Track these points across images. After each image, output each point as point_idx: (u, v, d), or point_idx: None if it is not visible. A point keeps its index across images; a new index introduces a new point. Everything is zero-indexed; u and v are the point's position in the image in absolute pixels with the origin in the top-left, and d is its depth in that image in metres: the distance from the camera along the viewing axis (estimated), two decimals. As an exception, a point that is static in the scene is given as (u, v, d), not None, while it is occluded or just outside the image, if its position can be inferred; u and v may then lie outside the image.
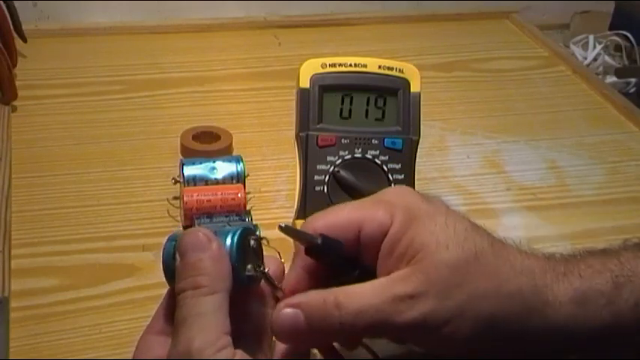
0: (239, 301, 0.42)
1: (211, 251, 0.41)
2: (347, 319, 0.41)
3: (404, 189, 0.47)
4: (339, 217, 0.45)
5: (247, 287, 0.43)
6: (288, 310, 0.42)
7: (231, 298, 0.41)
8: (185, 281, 0.40)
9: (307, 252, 0.44)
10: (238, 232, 0.42)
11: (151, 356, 0.41)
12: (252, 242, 0.44)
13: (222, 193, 0.64)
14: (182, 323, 0.39)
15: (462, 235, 0.43)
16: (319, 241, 0.43)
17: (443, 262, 0.42)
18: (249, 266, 0.43)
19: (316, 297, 0.42)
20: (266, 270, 0.44)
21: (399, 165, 0.59)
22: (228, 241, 0.42)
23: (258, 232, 0.61)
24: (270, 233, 0.63)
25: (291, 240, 0.58)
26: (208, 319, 0.39)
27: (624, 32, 1.12)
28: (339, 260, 0.45)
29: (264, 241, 0.45)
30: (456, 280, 0.42)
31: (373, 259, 0.44)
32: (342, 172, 0.58)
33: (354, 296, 0.42)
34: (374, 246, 0.44)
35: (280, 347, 0.44)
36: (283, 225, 0.43)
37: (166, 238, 0.44)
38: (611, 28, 1.15)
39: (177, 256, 0.42)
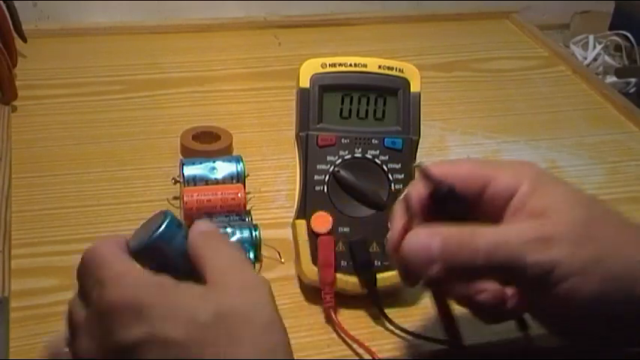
0: None
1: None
2: (482, 248, 0.43)
3: (524, 161, 0.50)
4: (461, 171, 0.47)
5: None
6: (424, 231, 0.44)
7: None
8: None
9: (433, 197, 0.45)
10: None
11: None
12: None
13: (222, 193, 0.64)
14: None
15: (586, 199, 0.46)
16: (447, 188, 0.45)
17: (575, 217, 0.44)
18: None
19: (452, 227, 0.44)
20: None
21: (399, 165, 0.59)
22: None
23: (257, 232, 0.61)
24: (270, 233, 0.63)
25: (291, 239, 0.58)
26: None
27: (624, 32, 1.11)
28: (458, 213, 0.46)
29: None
30: (587, 234, 0.44)
31: (491, 216, 0.46)
32: (342, 172, 0.58)
33: (490, 231, 0.44)
34: (498, 205, 0.46)
35: None
36: (421, 164, 0.45)
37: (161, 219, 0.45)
38: (611, 28, 1.15)
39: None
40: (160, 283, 0.40)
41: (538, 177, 0.46)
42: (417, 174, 0.46)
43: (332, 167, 0.59)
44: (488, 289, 0.45)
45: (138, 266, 0.42)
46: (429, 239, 0.43)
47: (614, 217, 0.47)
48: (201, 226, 0.44)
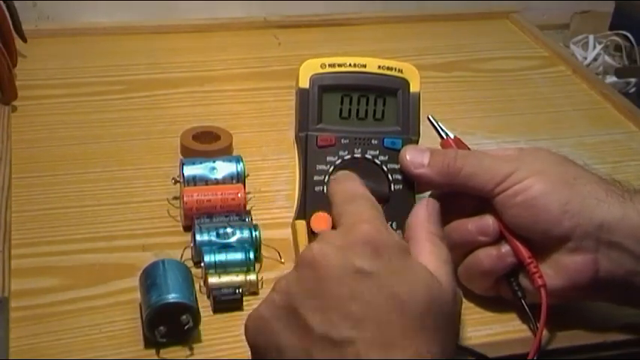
0: None
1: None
2: (461, 155, 0.55)
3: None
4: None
5: None
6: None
7: None
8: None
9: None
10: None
11: None
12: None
13: (222, 193, 0.64)
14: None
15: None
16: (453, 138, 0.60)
17: (546, 150, 0.57)
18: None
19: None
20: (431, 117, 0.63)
21: (399, 165, 0.59)
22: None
23: (257, 233, 0.61)
24: (270, 233, 0.63)
25: (291, 239, 0.58)
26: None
27: (624, 32, 1.11)
28: None
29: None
30: (553, 157, 0.56)
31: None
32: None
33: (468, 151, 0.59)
34: None
35: None
36: (430, 116, 0.59)
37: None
38: (611, 28, 1.14)
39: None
40: None
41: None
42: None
43: (331, 167, 0.59)
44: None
45: None
46: (422, 151, 0.56)
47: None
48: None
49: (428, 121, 0.60)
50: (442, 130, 0.61)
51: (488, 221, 0.54)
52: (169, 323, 0.52)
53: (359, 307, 0.40)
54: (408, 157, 0.55)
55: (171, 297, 0.52)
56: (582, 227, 0.51)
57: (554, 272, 0.53)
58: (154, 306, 0.52)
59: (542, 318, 0.53)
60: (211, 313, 0.57)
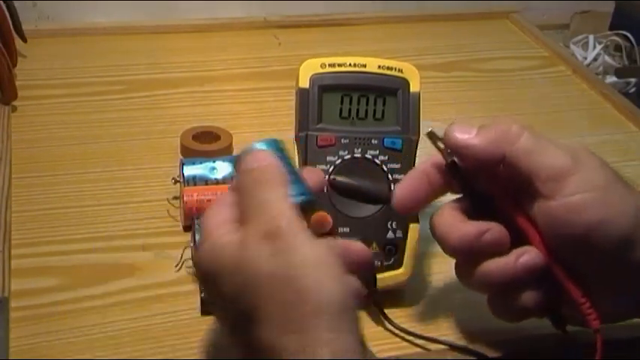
0: None
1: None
2: (520, 125, 0.47)
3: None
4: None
5: None
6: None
7: None
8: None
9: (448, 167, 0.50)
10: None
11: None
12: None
13: (222, 193, 0.64)
14: (261, 204, 0.44)
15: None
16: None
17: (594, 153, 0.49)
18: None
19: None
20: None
21: (399, 165, 0.59)
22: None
23: None
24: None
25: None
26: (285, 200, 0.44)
27: (624, 32, 1.11)
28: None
29: None
30: (605, 165, 0.48)
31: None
32: (338, 179, 0.58)
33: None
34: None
35: None
36: (430, 129, 0.50)
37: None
38: (611, 28, 1.15)
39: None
40: None
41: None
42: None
43: (331, 167, 0.59)
44: (492, 228, 0.47)
45: None
46: (469, 126, 0.49)
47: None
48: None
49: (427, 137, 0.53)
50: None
51: (536, 258, 0.47)
52: None
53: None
54: (455, 130, 0.48)
55: None
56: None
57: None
58: None
59: None
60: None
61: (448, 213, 0.49)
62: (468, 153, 0.48)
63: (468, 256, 0.48)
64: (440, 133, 0.50)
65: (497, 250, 0.47)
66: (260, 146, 0.47)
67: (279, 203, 0.43)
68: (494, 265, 0.47)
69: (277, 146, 0.47)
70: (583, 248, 0.45)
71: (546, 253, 0.47)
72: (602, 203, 0.44)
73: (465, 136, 0.48)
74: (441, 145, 0.50)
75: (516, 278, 0.47)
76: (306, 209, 0.45)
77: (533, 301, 0.48)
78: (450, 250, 0.49)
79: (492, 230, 0.47)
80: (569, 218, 0.45)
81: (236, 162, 0.47)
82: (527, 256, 0.47)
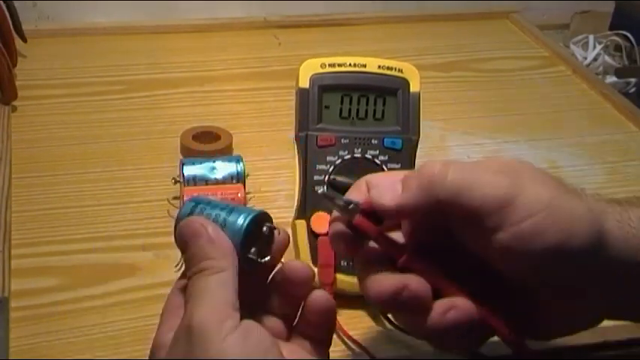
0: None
1: (207, 235, 0.42)
2: (444, 163, 0.42)
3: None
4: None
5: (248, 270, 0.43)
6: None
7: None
8: (192, 269, 0.41)
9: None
10: (252, 215, 0.43)
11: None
12: (264, 228, 0.44)
13: (222, 193, 0.64)
14: (189, 299, 0.40)
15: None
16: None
17: (530, 163, 0.43)
18: (252, 249, 0.43)
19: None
20: (266, 259, 0.43)
21: (399, 165, 0.59)
22: (240, 220, 0.42)
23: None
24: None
25: (291, 240, 0.58)
26: (212, 293, 0.40)
27: (624, 32, 1.11)
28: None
29: (276, 232, 0.44)
30: (546, 179, 0.42)
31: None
32: (338, 179, 0.58)
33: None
34: None
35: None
36: (324, 191, 0.46)
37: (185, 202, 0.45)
38: (611, 28, 1.14)
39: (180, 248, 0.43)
40: None
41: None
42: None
43: (331, 167, 0.59)
44: (409, 284, 0.42)
45: None
46: (392, 185, 0.43)
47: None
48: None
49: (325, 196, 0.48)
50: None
51: (465, 312, 0.42)
52: (256, 241, 0.44)
53: None
54: (380, 198, 0.42)
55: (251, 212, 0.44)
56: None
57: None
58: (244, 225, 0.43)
59: None
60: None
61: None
62: (403, 214, 0.43)
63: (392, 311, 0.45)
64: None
65: (418, 305, 0.42)
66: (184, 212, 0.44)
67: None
68: (422, 320, 0.42)
69: (196, 201, 0.45)
70: (545, 270, 0.41)
71: (476, 304, 0.43)
72: (554, 221, 0.40)
73: (393, 200, 0.42)
74: (340, 203, 0.44)
75: (447, 332, 0.42)
76: (261, 224, 0.43)
77: (470, 342, 0.45)
78: (372, 304, 0.45)
79: (409, 288, 0.42)
80: (523, 247, 0.40)
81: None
82: (455, 312, 0.42)
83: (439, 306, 0.42)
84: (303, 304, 0.44)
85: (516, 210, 0.40)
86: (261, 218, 0.43)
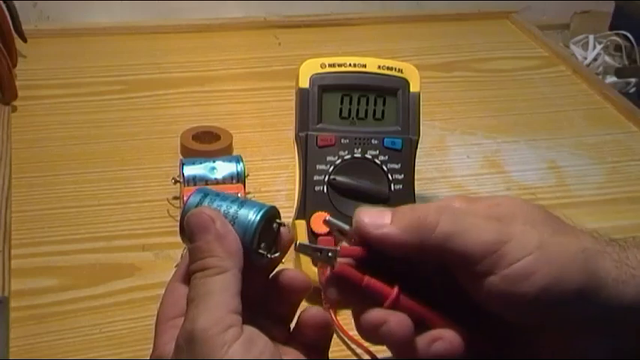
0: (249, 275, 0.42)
1: (215, 230, 0.41)
2: (435, 208, 0.41)
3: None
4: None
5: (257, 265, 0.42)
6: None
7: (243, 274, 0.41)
8: (195, 264, 0.41)
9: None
10: (264, 210, 0.42)
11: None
12: (274, 224, 0.43)
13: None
14: (190, 303, 0.40)
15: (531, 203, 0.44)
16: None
17: (524, 204, 0.42)
18: (262, 244, 0.42)
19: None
20: (276, 255, 0.43)
21: (399, 165, 0.59)
22: (252, 215, 0.42)
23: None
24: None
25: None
26: (215, 298, 0.39)
27: (624, 32, 1.12)
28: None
29: (285, 228, 0.44)
30: (539, 218, 0.42)
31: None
32: (338, 178, 0.58)
33: (445, 200, 0.43)
34: None
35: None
36: (328, 219, 0.43)
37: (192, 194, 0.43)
38: (611, 28, 1.15)
39: (186, 238, 0.42)
40: None
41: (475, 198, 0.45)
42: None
43: (331, 167, 0.59)
44: (389, 320, 0.41)
45: None
46: (382, 210, 0.42)
47: (566, 221, 0.44)
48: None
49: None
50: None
51: (451, 345, 0.42)
52: (265, 236, 0.43)
53: None
54: (365, 218, 0.41)
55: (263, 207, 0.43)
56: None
57: None
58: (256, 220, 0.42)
59: None
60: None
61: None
62: (386, 244, 0.42)
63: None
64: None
65: (397, 341, 0.42)
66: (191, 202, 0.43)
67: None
68: (407, 352, 0.42)
69: (205, 192, 0.43)
70: (536, 312, 0.41)
71: (463, 337, 0.42)
72: (546, 262, 0.40)
73: (378, 221, 0.41)
74: (318, 254, 0.43)
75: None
76: (271, 220, 0.43)
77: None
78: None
79: (388, 324, 0.41)
80: (513, 290, 0.40)
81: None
82: (441, 343, 0.42)
83: (425, 337, 0.42)
84: (298, 318, 0.44)
85: (505, 255, 0.40)
86: (272, 213, 0.43)
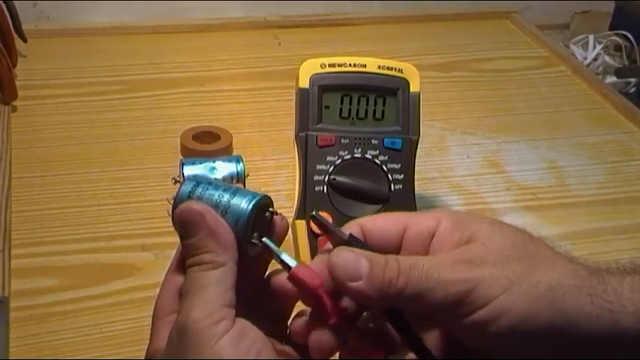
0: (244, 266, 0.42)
1: (207, 226, 0.41)
2: (404, 269, 0.41)
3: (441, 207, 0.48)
4: (377, 222, 0.45)
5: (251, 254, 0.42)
6: (353, 251, 0.42)
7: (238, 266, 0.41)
8: (191, 259, 0.41)
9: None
10: (257, 198, 0.42)
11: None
12: (267, 214, 0.43)
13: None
14: (186, 294, 0.40)
15: (512, 226, 0.44)
16: (347, 237, 0.43)
17: (501, 240, 0.43)
18: (255, 234, 0.42)
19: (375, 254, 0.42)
20: (265, 240, 0.42)
21: (399, 165, 0.59)
22: (244, 204, 0.41)
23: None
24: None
25: (291, 240, 0.58)
26: (209, 291, 0.39)
27: (624, 32, 1.12)
28: None
29: (278, 217, 0.44)
30: (515, 254, 0.42)
31: None
32: (338, 178, 0.58)
33: (412, 258, 0.42)
34: (419, 248, 0.44)
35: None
36: (315, 213, 0.43)
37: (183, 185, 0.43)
38: (611, 28, 1.15)
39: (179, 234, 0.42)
40: None
41: (457, 215, 0.44)
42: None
43: (331, 167, 0.59)
44: None
45: None
46: (358, 258, 0.41)
47: (542, 241, 0.44)
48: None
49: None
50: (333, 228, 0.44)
51: None
52: (258, 225, 0.43)
53: None
54: (341, 264, 0.41)
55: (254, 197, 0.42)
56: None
57: None
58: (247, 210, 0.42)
59: None
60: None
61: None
62: (357, 299, 0.43)
63: None
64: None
65: (316, 355, 0.42)
66: (183, 191, 0.42)
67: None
68: None
69: (197, 180, 0.43)
70: (509, 349, 0.42)
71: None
72: (513, 303, 0.41)
73: (354, 272, 0.41)
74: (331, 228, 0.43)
75: None
76: (264, 208, 0.42)
77: None
78: None
79: (311, 338, 0.42)
80: (485, 330, 0.41)
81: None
82: None
83: None
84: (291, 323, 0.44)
85: (473, 302, 0.41)
86: (265, 202, 0.43)
